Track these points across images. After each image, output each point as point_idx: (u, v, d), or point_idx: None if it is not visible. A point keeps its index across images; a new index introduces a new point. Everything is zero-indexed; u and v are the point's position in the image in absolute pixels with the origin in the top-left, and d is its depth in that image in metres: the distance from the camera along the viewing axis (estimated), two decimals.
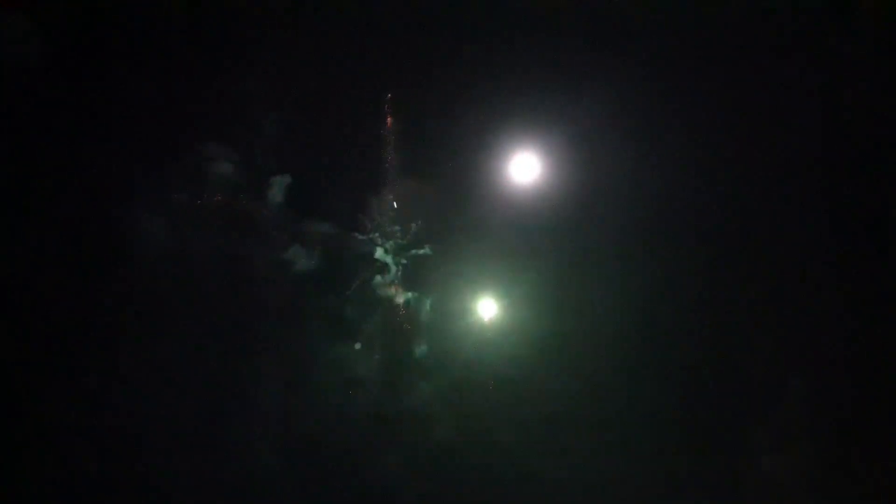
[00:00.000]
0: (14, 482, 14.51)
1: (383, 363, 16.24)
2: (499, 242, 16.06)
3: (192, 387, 15.30)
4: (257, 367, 15.72)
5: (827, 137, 15.82)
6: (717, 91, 15.82)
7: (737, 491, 15.43)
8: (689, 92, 15.87)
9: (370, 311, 16.40)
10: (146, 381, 15.08)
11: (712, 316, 15.93)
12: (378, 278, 16.49)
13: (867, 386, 15.29)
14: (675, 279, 15.98)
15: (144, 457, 14.90)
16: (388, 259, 16.52)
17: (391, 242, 16.54)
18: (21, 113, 14.89)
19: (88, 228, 15.16)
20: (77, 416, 14.76)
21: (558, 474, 15.55)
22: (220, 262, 15.66)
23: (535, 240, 15.98)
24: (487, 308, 16.47)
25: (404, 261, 16.55)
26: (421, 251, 16.52)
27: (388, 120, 16.27)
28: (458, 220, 16.28)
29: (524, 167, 16.17)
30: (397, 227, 16.53)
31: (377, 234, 16.50)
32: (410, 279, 16.56)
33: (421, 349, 16.32)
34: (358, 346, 16.16)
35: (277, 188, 16.00)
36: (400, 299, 16.54)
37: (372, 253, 16.49)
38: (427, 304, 16.45)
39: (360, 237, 16.44)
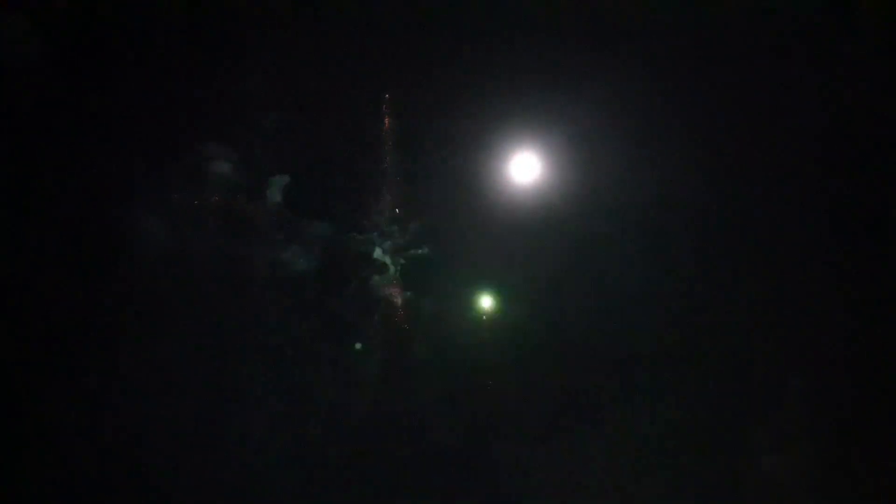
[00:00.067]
0: (14, 482, 14.51)
1: (382, 362, 16.24)
2: (497, 242, 16.06)
3: (191, 386, 15.32)
4: (256, 366, 15.75)
5: (827, 137, 15.79)
6: (717, 91, 15.81)
7: (737, 491, 15.40)
8: (688, 92, 15.86)
9: (369, 310, 16.42)
10: (146, 380, 15.08)
11: (712, 316, 15.92)
12: (376, 278, 16.50)
13: (867, 386, 15.26)
14: (675, 279, 15.98)
15: (144, 457, 14.89)
16: (387, 259, 16.53)
17: (390, 242, 16.56)
18: (21, 113, 14.92)
19: (88, 228, 15.18)
20: (77, 416, 14.76)
21: (558, 474, 15.54)
22: (220, 261, 15.69)
23: (534, 240, 15.97)
24: (486, 307, 16.47)
25: (403, 260, 16.57)
26: (419, 251, 16.53)
27: (387, 120, 16.29)
28: (457, 219, 16.30)
29: (523, 167, 16.18)
30: (396, 227, 16.56)
31: (376, 234, 16.52)
32: (409, 279, 16.59)
33: (419, 348, 16.32)
34: (357, 345, 16.17)
35: (276, 188, 16.04)
36: (398, 299, 16.55)
37: (370, 253, 16.50)
38: (425, 304, 16.46)
39: (359, 237, 16.46)
